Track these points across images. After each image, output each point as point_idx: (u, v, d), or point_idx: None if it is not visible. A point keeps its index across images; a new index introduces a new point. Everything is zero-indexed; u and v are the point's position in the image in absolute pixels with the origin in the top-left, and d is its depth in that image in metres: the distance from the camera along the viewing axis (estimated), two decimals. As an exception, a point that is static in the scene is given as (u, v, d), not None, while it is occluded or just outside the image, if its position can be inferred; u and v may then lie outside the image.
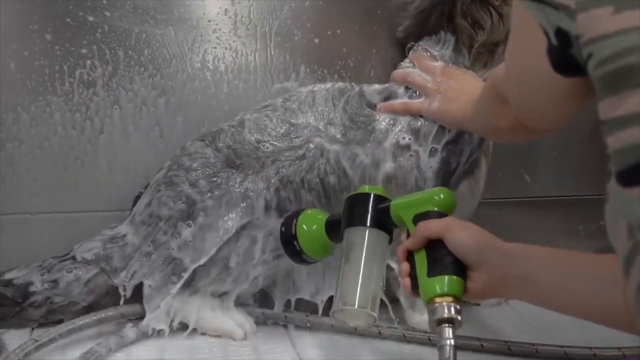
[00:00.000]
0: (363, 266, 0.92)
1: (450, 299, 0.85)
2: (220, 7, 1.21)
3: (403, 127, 1.14)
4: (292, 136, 1.13)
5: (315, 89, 1.18)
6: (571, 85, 0.73)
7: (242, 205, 1.10)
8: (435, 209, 0.92)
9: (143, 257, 1.12)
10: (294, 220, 1.02)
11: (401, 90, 1.16)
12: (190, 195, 1.11)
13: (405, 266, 0.91)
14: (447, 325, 0.84)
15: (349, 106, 1.15)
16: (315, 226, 1.01)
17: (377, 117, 1.14)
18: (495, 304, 1.30)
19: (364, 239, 0.94)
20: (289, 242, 1.02)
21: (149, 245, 1.12)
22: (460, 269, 0.87)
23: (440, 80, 1.13)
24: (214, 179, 1.11)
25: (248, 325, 1.16)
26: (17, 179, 1.20)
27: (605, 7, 0.63)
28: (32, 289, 1.12)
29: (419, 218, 0.91)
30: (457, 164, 1.15)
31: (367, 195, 0.97)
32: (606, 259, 0.78)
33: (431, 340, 1.13)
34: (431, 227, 0.90)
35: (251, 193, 1.11)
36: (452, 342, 0.83)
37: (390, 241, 0.97)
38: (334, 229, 0.99)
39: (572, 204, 1.34)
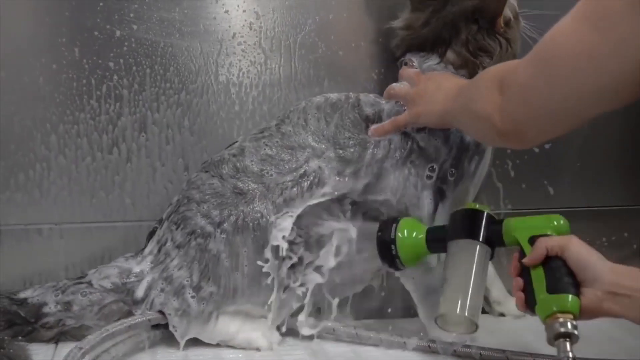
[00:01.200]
0: (474, 277, 0.99)
1: (570, 316, 0.90)
2: (245, 20, 1.22)
3: (397, 145, 1.14)
4: (293, 159, 1.14)
5: (306, 106, 1.18)
6: None
7: (254, 230, 1.12)
8: (552, 233, 0.97)
9: (160, 291, 1.13)
10: (394, 225, 1.06)
11: (387, 106, 1.17)
12: (204, 227, 1.12)
13: (519, 281, 0.96)
14: (566, 339, 0.89)
15: (343, 123, 1.15)
16: (415, 233, 1.06)
17: (371, 140, 1.15)
18: (520, 315, 1.30)
19: (475, 252, 1.01)
20: (387, 246, 1.07)
21: (162, 282, 1.13)
22: (577, 287, 0.92)
23: (418, 85, 1.13)
24: (224, 208, 1.12)
25: (273, 336, 1.17)
26: (45, 203, 1.22)
27: None
28: (45, 310, 1.12)
29: (534, 239, 0.97)
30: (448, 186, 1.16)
31: (481, 212, 1.03)
32: None
33: (456, 352, 1.13)
34: (554, 241, 0.94)
35: (263, 219, 1.12)
36: (572, 355, 0.89)
37: (491, 257, 1.03)
38: (435, 239, 1.05)
39: (596, 215, 1.34)
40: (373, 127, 1.15)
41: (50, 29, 1.17)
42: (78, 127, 1.20)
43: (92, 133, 1.21)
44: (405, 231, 1.06)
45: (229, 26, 1.22)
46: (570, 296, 0.91)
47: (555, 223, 0.98)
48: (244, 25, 1.22)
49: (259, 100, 1.25)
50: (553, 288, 0.92)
